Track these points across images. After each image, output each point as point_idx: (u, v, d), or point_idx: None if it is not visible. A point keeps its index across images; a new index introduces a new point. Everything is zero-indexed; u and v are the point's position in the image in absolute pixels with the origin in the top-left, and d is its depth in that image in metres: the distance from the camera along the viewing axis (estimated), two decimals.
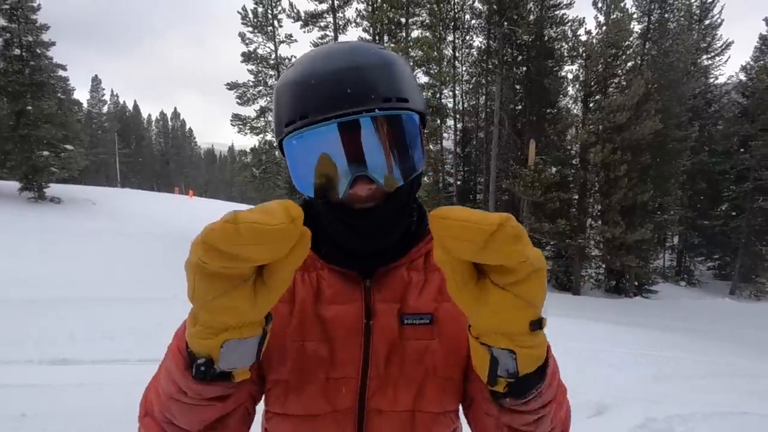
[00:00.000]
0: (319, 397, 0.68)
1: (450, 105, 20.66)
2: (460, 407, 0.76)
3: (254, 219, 0.40)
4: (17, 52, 18.36)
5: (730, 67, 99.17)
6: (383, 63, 0.64)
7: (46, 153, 18.19)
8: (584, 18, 18.29)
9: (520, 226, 0.42)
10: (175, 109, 70.53)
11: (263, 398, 0.73)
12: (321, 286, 0.71)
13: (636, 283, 18.03)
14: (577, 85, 18.24)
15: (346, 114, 0.60)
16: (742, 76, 22.03)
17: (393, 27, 17.91)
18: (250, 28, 18.67)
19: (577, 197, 18.09)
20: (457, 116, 21.64)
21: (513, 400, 0.55)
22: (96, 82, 54.68)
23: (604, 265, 18.43)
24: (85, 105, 51.50)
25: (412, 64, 14.58)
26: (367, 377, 0.68)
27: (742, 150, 20.45)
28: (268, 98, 19.50)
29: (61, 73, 20.34)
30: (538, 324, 0.49)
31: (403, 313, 0.69)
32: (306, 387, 0.68)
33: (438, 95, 19.23)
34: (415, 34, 18.44)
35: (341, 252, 0.71)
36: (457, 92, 21.42)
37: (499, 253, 0.42)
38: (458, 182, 22.03)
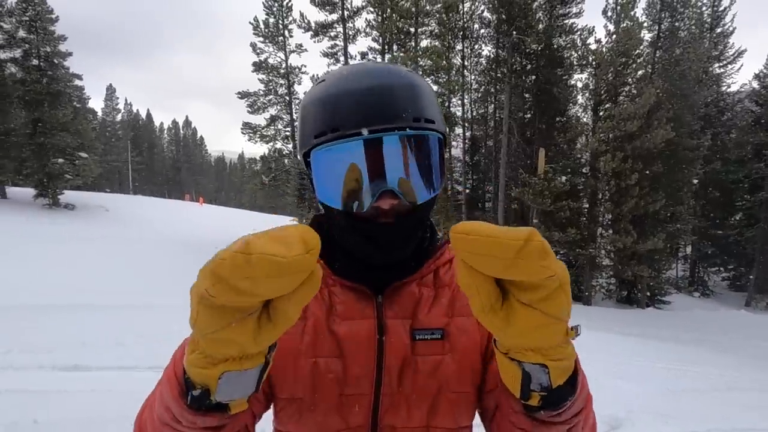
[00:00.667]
0: (333, 414, 0.68)
1: (459, 113, 20.69)
2: (477, 419, 0.76)
3: (269, 251, 0.37)
4: (35, 62, 18.85)
5: (742, 75, 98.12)
6: (412, 85, 0.66)
7: (61, 160, 18.57)
8: (594, 27, 18.23)
9: (545, 241, 0.41)
10: (187, 117, 71.72)
11: (273, 415, 0.73)
12: (333, 302, 0.71)
13: (648, 294, 17.72)
14: (587, 94, 18.15)
15: (378, 130, 0.62)
16: (755, 84, 21.75)
17: (402, 36, 18.06)
18: (261, 38, 18.97)
19: (587, 206, 17.90)
20: (466, 125, 21.64)
21: (547, 413, 0.54)
22: (110, 91, 55.82)
23: (614, 275, 18.17)
24: (99, 113, 52.60)
25: (421, 73, 14.65)
26: (380, 394, 0.68)
27: (756, 159, 20.12)
28: (279, 107, 19.73)
29: (77, 82, 20.83)
30: (567, 339, 0.49)
31: (414, 329, 0.70)
32: (320, 404, 0.68)
33: (447, 104, 19.28)
34: (424, 43, 18.57)
35: (354, 266, 0.71)
36: (465, 101, 21.45)
37: (528, 268, 0.40)
38: (467, 190, 21.96)
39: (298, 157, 0.76)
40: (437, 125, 0.67)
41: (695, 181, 19.41)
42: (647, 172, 15.68)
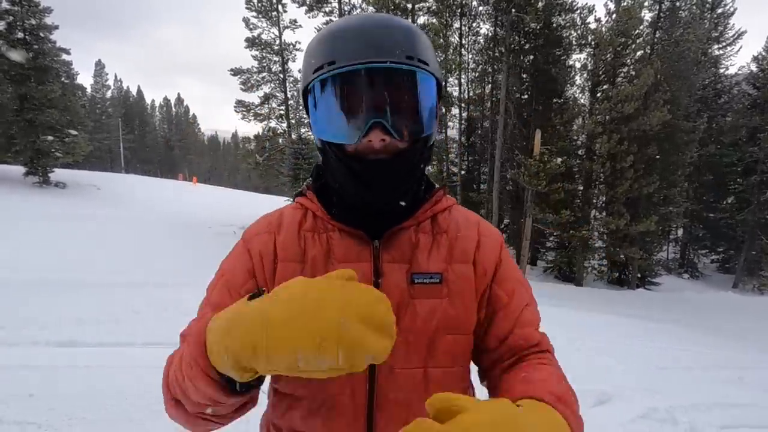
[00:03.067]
0: None
1: (455, 93, 20.45)
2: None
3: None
4: (20, 35, 18.26)
5: (741, 58, 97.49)
6: (410, 29, 0.69)
7: (50, 138, 18.21)
8: (594, 5, 17.90)
9: None
10: (179, 94, 70.38)
11: None
12: (331, 245, 0.73)
13: (639, 275, 17.99)
14: (585, 75, 17.97)
15: (372, 62, 0.64)
16: (754, 67, 21.63)
17: (399, 13, 17.63)
18: (254, 13, 18.46)
19: (582, 188, 17.96)
20: (463, 105, 21.42)
21: None
22: (99, 66, 54.47)
23: (606, 257, 18.39)
24: (88, 90, 51.41)
25: None
26: None
27: (751, 142, 20.19)
28: (273, 85, 19.36)
29: (64, 57, 20.24)
30: None
31: (413, 273, 0.72)
32: None
33: (444, 83, 19.00)
34: (421, 20, 18.17)
35: (351, 212, 0.73)
36: (462, 80, 21.18)
37: None
38: (462, 171, 21.90)
39: (300, 100, 0.78)
40: (431, 68, 0.68)
41: (689, 163, 19.47)
42: (643, 154, 15.69)
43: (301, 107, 20.41)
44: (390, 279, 0.71)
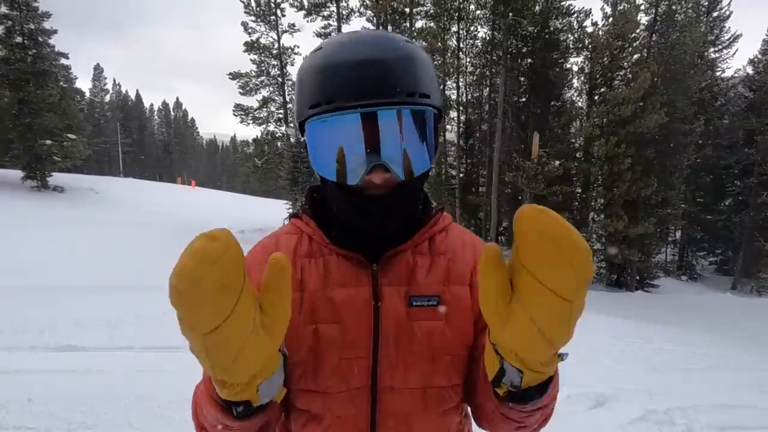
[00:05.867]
0: (334, 376, 0.71)
1: (453, 97, 20.50)
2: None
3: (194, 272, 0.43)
4: (19, 39, 18.28)
5: (737, 60, 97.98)
6: (409, 57, 0.66)
7: (48, 142, 18.20)
8: (591, 9, 18.00)
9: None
10: (177, 98, 70.32)
11: None
12: (329, 270, 0.74)
13: (637, 278, 18.01)
14: (582, 78, 18.04)
15: (371, 105, 0.62)
16: (750, 70, 21.76)
17: (397, 17, 17.74)
18: (253, 17, 18.52)
19: (580, 191, 18.00)
20: (461, 108, 21.47)
21: (513, 404, 0.59)
22: (98, 70, 54.51)
23: (604, 259, 18.40)
24: (87, 94, 51.40)
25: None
26: (378, 357, 0.71)
27: (748, 145, 20.27)
28: (271, 89, 19.41)
29: (63, 61, 20.27)
30: (552, 360, 0.52)
31: (411, 296, 0.73)
32: (321, 367, 0.71)
33: (442, 87, 19.07)
34: (419, 24, 18.27)
35: (349, 236, 0.73)
36: (460, 84, 21.22)
37: (569, 282, 0.43)
38: (461, 174, 21.92)
39: (295, 123, 0.76)
40: (432, 99, 0.68)
41: (687, 165, 19.54)
42: (640, 157, 15.74)
43: None
44: (389, 302, 0.72)
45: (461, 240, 0.81)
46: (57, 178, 19.26)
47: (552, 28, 17.94)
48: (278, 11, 18.69)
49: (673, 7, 18.20)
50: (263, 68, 19.14)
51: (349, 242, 0.73)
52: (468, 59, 21.31)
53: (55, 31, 19.28)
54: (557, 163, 15.81)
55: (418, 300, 0.72)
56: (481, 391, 0.70)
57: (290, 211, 16.69)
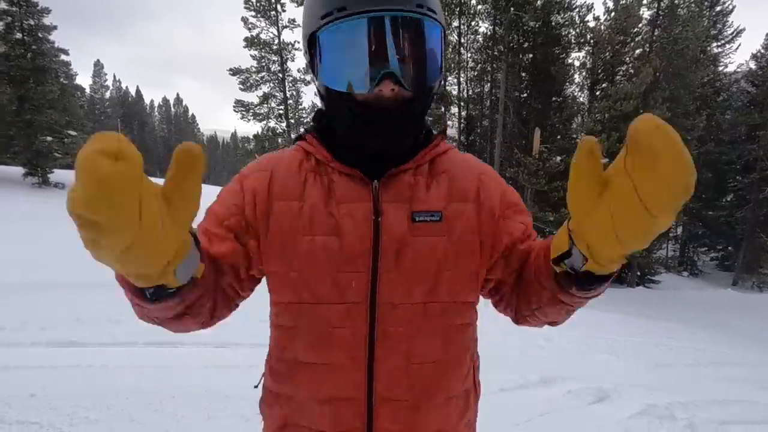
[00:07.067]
0: (331, 288, 0.71)
1: (454, 92, 20.43)
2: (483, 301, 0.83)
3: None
4: (19, 36, 18.23)
5: (740, 55, 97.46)
6: None
7: (49, 138, 18.21)
8: (592, 3, 17.92)
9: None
10: (178, 95, 70.28)
11: (269, 290, 0.77)
12: (332, 187, 0.74)
13: (638, 273, 18.01)
14: (583, 73, 17.96)
15: (383, 10, 0.63)
16: (752, 65, 21.65)
17: None
18: (253, 13, 18.45)
19: None
20: (462, 104, 21.41)
21: (566, 284, 0.62)
22: (98, 67, 54.40)
23: None
24: (87, 90, 51.33)
25: None
26: (378, 272, 0.71)
27: (750, 140, 20.19)
28: (272, 84, 19.36)
29: (63, 57, 20.23)
30: (620, 259, 0.54)
31: (413, 211, 0.73)
32: (318, 278, 0.71)
33: (443, 82, 19.01)
34: None
35: (352, 154, 0.74)
36: (461, 79, 21.15)
37: (659, 196, 0.43)
38: None
39: (301, 44, 0.77)
40: (439, 17, 0.69)
41: None
42: None
43: (300, 107, 20.39)
44: (390, 217, 0.72)
45: (462, 160, 0.82)
46: (58, 174, 19.28)
47: (553, 23, 17.83)
48: (278, 6, 18.62)
49: (676, 1, 18.08)
50: (263, 64, 19.08)
51: (352, 160, 0.74)
52: (469, 54, 21.22)
53: (55, 27, 19.23)
54: (558, 158, 15.78)
55: (421, 215, 0.73)
56: (533, 282, 0.71)
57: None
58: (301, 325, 0.73)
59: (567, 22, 18.00)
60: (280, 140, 19.11)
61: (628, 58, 16.67)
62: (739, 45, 24.07)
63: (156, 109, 67.04)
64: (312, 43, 0.70)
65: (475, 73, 21.88)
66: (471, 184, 0.78)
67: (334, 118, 0.75)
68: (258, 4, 18.37)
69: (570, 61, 18.70)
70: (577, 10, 17.82)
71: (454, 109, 20.71)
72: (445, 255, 0.72)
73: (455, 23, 19.94)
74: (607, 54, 16.32)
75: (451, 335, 0.75)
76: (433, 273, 0.72)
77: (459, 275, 0.74)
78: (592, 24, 17.11)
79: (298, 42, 19.20)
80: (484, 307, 0.86)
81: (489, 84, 21.08)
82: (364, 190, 0.73)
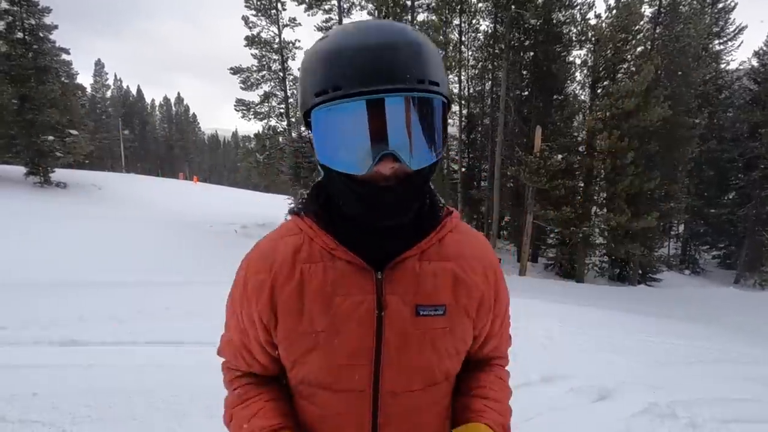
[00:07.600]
0: (335, 378, 0.73)
1: (455, 90, 20.40)
2: None
3: None
4: (20, 35, 18.23)
5: (742, 53, 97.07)
6: (419, 44, 0.63)
7: (51, 138, 18.21)
8: (594, 1, 17.96)
9: None
10: (179, 94, 70.26)
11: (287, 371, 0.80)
12: (332, 277, 0.72)
13: (640, 272, 17.98)
14: (585, 71, 17.90)
15: (380, 91, 0.59)
16: (755, 62, 21.55)
17: (398, 10, 17.59)
18: (254, 11, 18.42)
19: (582, 185, 17.93)
20: (463, 102, 21.38)
21: None
22: (99, 66, 54.40)
23: (607, 253, 18.37)
24: (88, 90, 51.28)
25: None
26: (380, 364, 0.72)
27: (752, 138, 20.12)
28: (272, 83, 19.33)
29: (64, 56, 20.21)
30: None
31: (418, 305, 0.72)
32: (321, 369, 0.73)
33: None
34: (420, 17, 18.12)
35: (356, 234, 0.72)
36: (462, 77, 21.12)
37: None
38: (463, 169, 21.89)
39: (298, 115, 0.75)
40: (441, 88, 0.65)
41: (690, 159, 19.41)
42: (643, 150, 15.64)
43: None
44: (393, 311, 0.71)
45: (470, 244, 0.80)
46: (59, 174, 19.29)
47: (555, 21, 17.79)
48: (279, 5, 18.57)
49: None
50: (264, 63, 19.05)
51: (355, 242, 0.71)
52: (470, 53, 21.19)
53: (56, 27, 19.21)
54: (560, 156, 15.75)
55: (425, 309, 0.72)
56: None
57: (291, 206, 16.64)
58: (314, 399, 0.77)
59: (568, 20, 17.95)
60: (281, 139, 19.10)
61: (629, 56, 16.61)
62: (742, 42, 23.97)
63: (157, 108, 67.02)
64: (308, 116, 0.68)
65: (476, 71, 21.86)
66: (476, 279, 0.78)
67: (334, 194, 0.72)
68: (258, 3, 18.33)
69: (571, 58, 18.67)
70: (579, 7, 17.78)
71: (455, 108, 20.68)
72: (445, 346, 0.75)
73: (456, 21, 19.90)
74: (609, 52, 16.26)
75: (446, 403, 0.82)
76: (435, 363, 0.75)
77: (456, 360, 0.79)
78: (593, 21, 17.07)
79: (299, 41, 19.25)
80: None
81: (490, 82, 21.05)
82: (366, 281, 0.71)
